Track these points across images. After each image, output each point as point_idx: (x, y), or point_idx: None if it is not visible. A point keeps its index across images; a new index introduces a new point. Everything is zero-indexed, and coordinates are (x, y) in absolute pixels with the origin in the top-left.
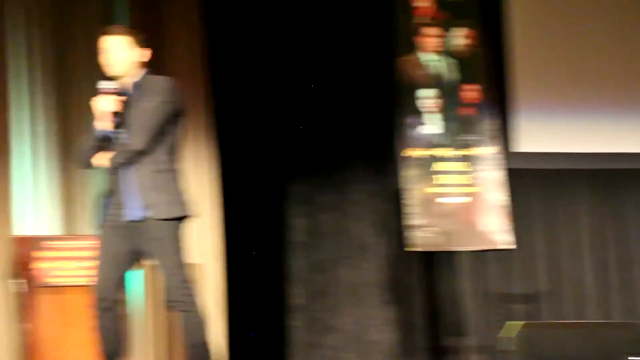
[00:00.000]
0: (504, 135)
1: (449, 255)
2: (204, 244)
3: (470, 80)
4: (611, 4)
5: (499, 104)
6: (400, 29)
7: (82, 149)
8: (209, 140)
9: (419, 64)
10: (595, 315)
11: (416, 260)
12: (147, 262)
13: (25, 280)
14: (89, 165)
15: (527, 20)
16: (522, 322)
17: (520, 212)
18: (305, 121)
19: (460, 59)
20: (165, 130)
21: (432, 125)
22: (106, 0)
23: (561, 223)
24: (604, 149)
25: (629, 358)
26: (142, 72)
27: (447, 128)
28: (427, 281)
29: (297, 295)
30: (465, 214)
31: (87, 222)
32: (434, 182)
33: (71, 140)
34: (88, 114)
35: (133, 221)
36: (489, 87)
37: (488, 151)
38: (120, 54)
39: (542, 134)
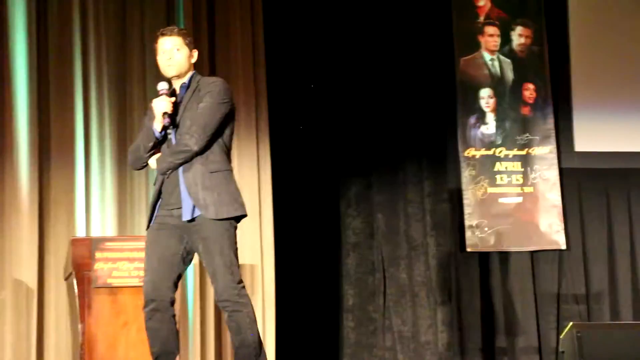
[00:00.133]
0: (559, 135)
1: (503, 256)
2: (257, 244)
3: (529, 79)
4: None
5: (555, 103)
6: (461, 29)
7: (136, 150)
8: (263, 140)
9: (479, 64)
10: None
11: (470, 260)
12: (197, 263)
13: (82, 282)
14: (143, 167)
15: (585, 19)
16: (579, 323)
17: (575, 212)
18: (361, 121)
19: (520, 58)
20: (220, 131)
21: (492, 124)
22: (163, 4)
23: (617, 223)
24: None
25: None
26: (191, 73)
27: (506, 128)
28: (480, 281)
29: (351, 295)
30: (520, 214)
31: (141, 224)
32: (493, 182)
33: (126, 143)
34: (142, 117)
35: (186, 221)
36: (546, 86)
37: (544, 151)
38: (176, 54)
39: (598, 133)
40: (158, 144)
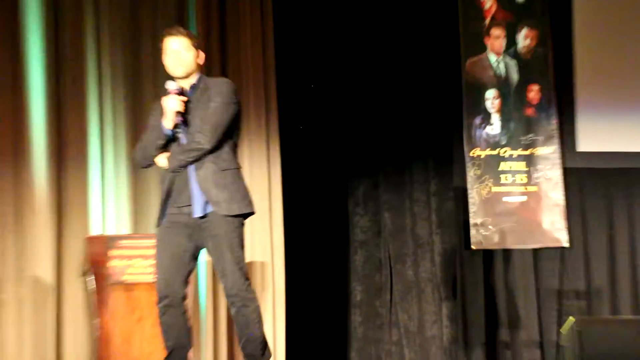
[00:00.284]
0: (563, 135)
1: (506, 253)
2: (267, 242)
3: (533, 80)
4: None
5: (559, 104)
6: (468, 31)
7: (144, 149)
8: (273, 142)
9: (485, 65)
10: None
11: (474, 257)
12: (207, 259)
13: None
14: (150, 165)
15: (590, 22)
16: (580, 318)
17: (577, 211)
18: (368, 122)
19: (525, 59)
20: (230, 130)
21: (497, 125)
22: (174, 10)
23: (617, 221)
24: None
25: None
26: (198, 73)
27: (511, 128)
28: (484, 278)
29: (358, 291)
30: (524, 213)
31: (153, 222)
32: (497, 181)
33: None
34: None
35: (197, 218)
36: (550, 88)
37: (547, 151)
38: (184, 55)
39: (600, 134)
40: (167, 142)
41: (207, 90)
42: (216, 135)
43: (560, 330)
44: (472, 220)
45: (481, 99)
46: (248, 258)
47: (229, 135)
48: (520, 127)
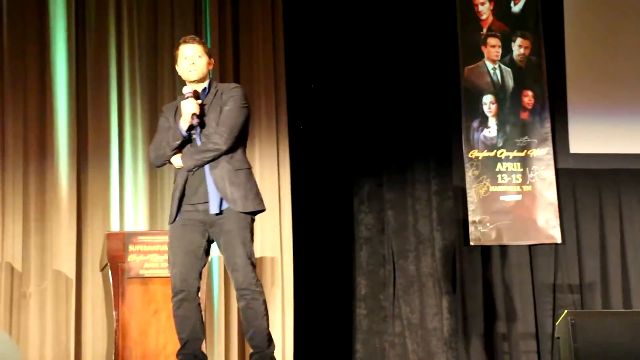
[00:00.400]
0: (556, 138)
1: (503, 249)
2: (276, 239)
3: (528, 86)
4: None
5: (552, 108)
6: (466, 40)
7: (158, 149)
8: (283, 143)
9: (482, 72)
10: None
11: (473, 253)
12: (219, 254)
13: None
14: (164, 164)
15: (580, 32)
16: (574, 311)
17: (570, 209)
18: (373, 125)
19: (519, 67)
20: (242, 132)
21: (494, 128)
22: (191, 20)
23: (608, 219)
24: None
25: None
26: (209, 79)
27: (507, 131)
28: (482, 273)
29: (363, 285)
30: (519, 211)
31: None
32: (494, 181)
33: None
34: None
35: (213, 215)
36: (543, 93)
37: (541, 152)
38: (198, 60)
39: (591, 136)
40: (183, 143)
41: (219, 94)
42: (232, 137)
43: (556, 323)
44: (470, 218)
45: (479, 104)
46: (259, 254)
47: (242, 137)
48: (516, 130)
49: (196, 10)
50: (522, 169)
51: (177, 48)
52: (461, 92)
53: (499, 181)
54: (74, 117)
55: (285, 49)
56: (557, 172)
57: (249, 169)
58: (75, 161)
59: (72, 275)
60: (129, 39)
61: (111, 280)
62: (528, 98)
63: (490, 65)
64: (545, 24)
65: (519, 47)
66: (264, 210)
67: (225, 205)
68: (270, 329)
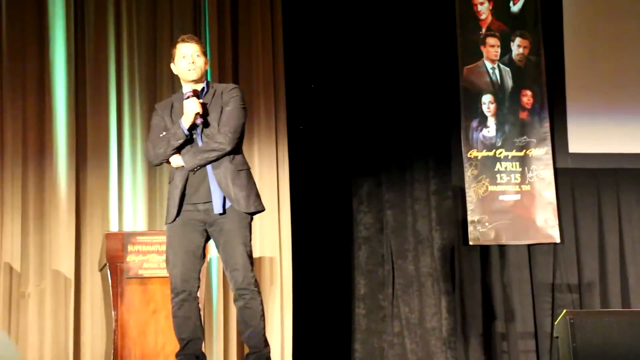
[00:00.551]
0: (555, 137)
1: (502, 249)
2: (275, 238)
3: (526, 86)
4: None
5: (551, 108)
6: (465, 40)
7: (157, 147)
8: (282, 142)
9: (481, 72)
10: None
11: (472, 253)
12: (218, 254)
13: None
14: (161, 163)
15: (579, 32)
16: (572, 310)
17: (569, 209)
18: (372, 125)
19: (518, 67)
20: (243, 133)
21: (493, 128)
22: (190, 19)
23: (607, 218)
24: None
25: None
26: (205, 79)
27: (506, 131)
28: (481, 272)
29: (362, 285)
30: (518, 211)
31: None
32: (493, 181)
33: None
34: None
35: (215, 214)
36: (542, 93)
37: (540, 152)
38: (197, 60)
39: (590, 136)
40: (184, 143)
41: (219, 94)
42: (235, 137)
43: (555, 322)
44: (469, 218)
45: (478, 104)
46: (258, 254)
47: (242, 138)
48: (515, 130)
49: (195, 9)
50: (521, 169)
51: (174, 46)
52: (460, 92)
53: (498, 181)
54: (72, 117)
55: (284, 49)
56: (556, 171)
57: (249, 169)
58: (74, 161)
59: (71, 275)
60: (128, 39)
61: (110, 280)
62: (527, 98)
63: (489, 65)
64: (544, 23)
65: (518, 47)
66: (264, 210)
67: (227, 205)
68: (269, 328)
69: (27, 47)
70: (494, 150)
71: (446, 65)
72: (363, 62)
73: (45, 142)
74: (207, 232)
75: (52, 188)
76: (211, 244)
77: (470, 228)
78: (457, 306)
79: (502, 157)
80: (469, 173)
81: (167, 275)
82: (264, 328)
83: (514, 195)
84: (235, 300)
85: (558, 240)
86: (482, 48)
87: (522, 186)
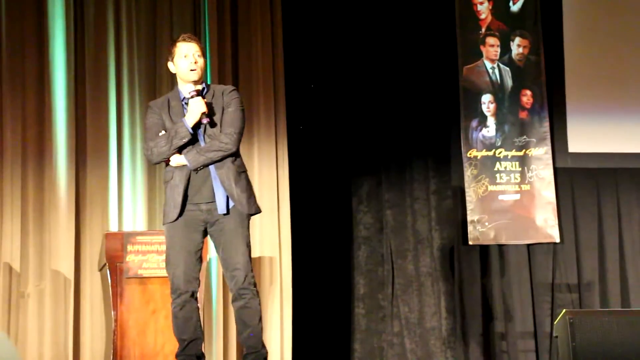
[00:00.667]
0: (554, 137)
1: (502, 248)
2: (275, 238)
3: (526, 86)
4: None
5: (550, 108)
6: (465, 40)
7: (160, 146)
8: (281, 142)
9: (481, 72)
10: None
11: (471, 252)
12: (217, 254)
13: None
14: (161, 162)
15: (578, 31)
16: (572, 310)
17: (568, 208)
18: (372, 124)
19: (518, 66)
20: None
21: (492, 128)
22: (190, 19)
23: (606, 218)
24: None
25: None
26: (203, 80)
27: (505, 130)
28: (481, 272)
29: (362, 285)
30: (518, 210)
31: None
32: (493, 180)
33: None
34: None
35: (219, 215)
36: (542, 93)
37: (540, 152)
38: (199, 60)
39: (590, 136)
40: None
41: (219, 95)
42: (239, 138)
43: (554, 322)
44: (469, 218)
45: (477, 103)
46: (257, 253)
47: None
48: (514, 129)
49: (195, 9)
50: (520, 168)
51: (173, 44)
52: (460, 92)
53: (498, 180)
54: (72, 116)
55: (284, 48)
56: (556, 171)
57: (247, 172)
58: (73, 161)
59: (71, 275)
60: (128, 38)
61: (109, 280)
62: (527, 97)
63: (489, 65)
64: (544, 23)
65: (517, 47)
66: (260, 212)
67: (231, 205)
68: (269, 328)
69: (26, 46)
70: (493, 150)
71: (446, 65)
72: (363, 62)
73: (44, 142)
74: (206, 232)
75: (52, 188)
76: (210, 244)
77: (469, 228)
78: (456, 306)
79: (501, 157)
80: (468, 173)
81: (167, 275)
82: (262, 329)
83: (513, 195)
84: (234, 300)
85: (558, 240)
86: (482, 48)
87: (522, 186)
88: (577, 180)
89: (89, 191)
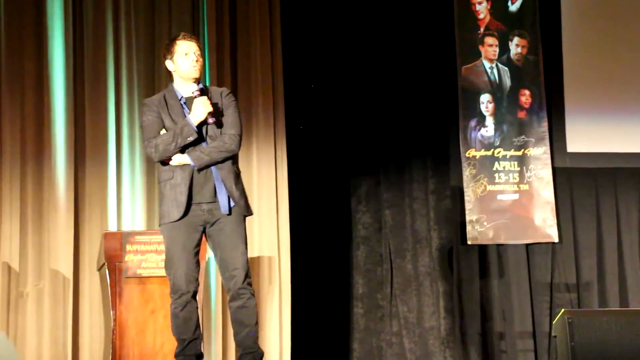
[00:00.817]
0: (553, 137)
1: (500, 248)
2: (274, 238)
3: (525, 85)
4: None
5: (549, 107)
6: (463, 39)
7: (167, 144)
8: (280, 142)
9: (480, 71)
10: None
11: (470, 252)
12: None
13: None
14: (165, 159)
15: (577, 31)
16: (571, 310)
17: (567, 208)
18: (370, 124)
19: (516, 66)
20: None
21: (491, 127)
22: (189, 21)
23: (605, 218)
24: None
25: None
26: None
27: (504, 130)
28: (479, 272)
29: (360, 284)
30: (516, 210)
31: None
32: (492, 180)
33: None
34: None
35: (221, 214)
36: (540, 92)
37: (539, 151)
38: (199, 58)
39: (588, 136)
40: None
41: (216, 97)
42: (241, 140)
43: (553, 322)
44: (468, 217)
45: (476, 103)
46: (256, 253)
47: None
48: (513, 129)
49: (194, 9)
50: (519, 168)
51: (172, 43)
52: (458, 91)
53: (496, 180)
54: (71, 116)
55: (282, 48)
56: (554, 171)
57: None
58: (72, 160)
59: (70, 274)
60: (127, 38)
61: (108, 280)
62: (525, 97)
63: (487, 64)
64: (542, 23)
65: (516, 46)
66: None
67: (231, 205)
68: (268, 327)
69: (25, 46)
70: (492, 150)
71: (444, 65)
72: (361, 62)
73: (43, 142)
74: (204, 232)
75: (51, 187)
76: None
77: (468, 227)
78: (455, 305)
79: (500, 157)
80: (467, 172)
81: (165, 275)
82: (258, 329)
83: (512, 195)
84: (231, 300)
85: (556, 240)
86: (481, 47)
87: (521, 185)
88: (576, 180)
89: (88, 191)
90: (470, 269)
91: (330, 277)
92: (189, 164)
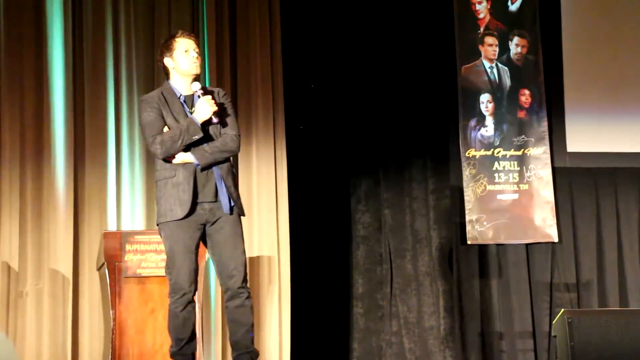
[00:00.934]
0: (553, 136)
1: (500, 248)
2: (274, 238)
3: (525, 85)
4: None
5: (549, 107)
6: (463, 39)
7: (171, 142)
8: (280, 142)
9: (479, 71)
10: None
11: (470, 252)
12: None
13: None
14: (169, 156)
15: (577, 31)
16: (570, 310)
17: (567, 208)
18: (370, 124)
19: (516, 66)
20: None
21: (491, 127)
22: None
23: (605, 217)
24: None
25: None
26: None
27: (504, 130)
28: (479, 271)
29: (360, 284)
30: (516, 210)
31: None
32: (491, 180)
33: None
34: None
35: (222, 214)
36: (540, 92)
37: (538, 151)
38: (198, 56)
39: (588, 135)
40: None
41: (216, 96)
42: (240, 141)
43: (553, 321)
44: (467, 217)
45: (476, 103)
46: (256, 253)
47: None
48: (513, 129)
49: (193, 9)
50: (519, 168)
51: (171, 40)
52: (458, 91)
53: (496, 180)
54: (71, 116)
55: (282, 48)
56: (554, 170)
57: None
58: (72, 160)
59: (69, 274)
60: (126, 39)
61: (108, 280)
62: (525, 97)
63: (487, 64)
64: (542, 22)
65: (516, 46)
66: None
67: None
68: (268, 327)
69: (25, 46)
70: (492, 150)
71: (444, 65)
72: (361, 62)
73: (43, 141)
74: (204, 231)
75: (50, 187)
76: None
77: (468, 227)
78: (455, 305)
79: (500, 156)
80: (467, 172)
81: (165, 274)
82: (252, 328)
83: (512, 195)
84: (230, 299)
85: (556, 240)
86: (480, 47)
87: (520, 185)
88: (576, 180)
89: (87, 190)
90: (470, 268)
91: (330, 277)
92: (192, 163)
